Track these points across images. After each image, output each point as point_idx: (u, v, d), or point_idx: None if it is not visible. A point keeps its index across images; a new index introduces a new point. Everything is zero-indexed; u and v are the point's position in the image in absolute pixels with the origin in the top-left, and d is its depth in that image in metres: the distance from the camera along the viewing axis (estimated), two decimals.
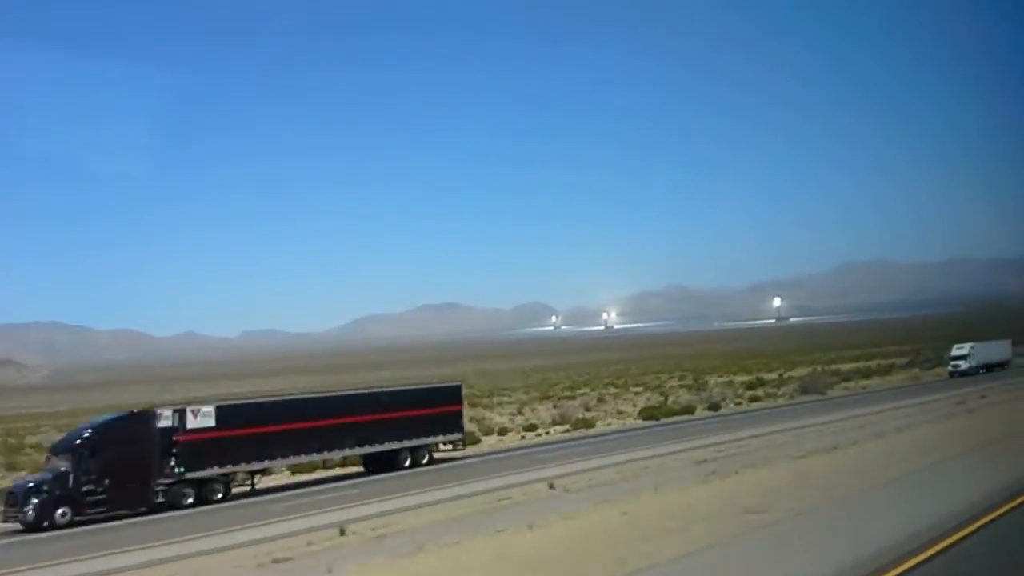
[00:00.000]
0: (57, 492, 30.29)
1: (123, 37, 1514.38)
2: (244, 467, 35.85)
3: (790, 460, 26.83)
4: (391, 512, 26.37)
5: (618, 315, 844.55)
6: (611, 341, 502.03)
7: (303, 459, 37.95)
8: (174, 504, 32.86)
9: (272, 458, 36.96)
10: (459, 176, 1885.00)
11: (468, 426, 57.89)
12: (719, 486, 22.92)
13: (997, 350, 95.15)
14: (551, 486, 27.84)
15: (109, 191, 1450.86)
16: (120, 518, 30.88)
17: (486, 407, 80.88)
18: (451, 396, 44.59)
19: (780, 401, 67.19)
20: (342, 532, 22.73)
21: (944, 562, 13.51)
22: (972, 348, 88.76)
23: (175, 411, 34.56)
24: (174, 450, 33.47)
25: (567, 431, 51.67)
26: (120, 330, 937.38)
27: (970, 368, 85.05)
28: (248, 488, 36.22)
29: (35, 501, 29.82)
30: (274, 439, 35.88)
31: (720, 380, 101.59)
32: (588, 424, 52.41)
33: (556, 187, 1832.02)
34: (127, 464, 32.08)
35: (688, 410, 58.00)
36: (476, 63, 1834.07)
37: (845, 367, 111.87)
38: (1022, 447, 25.44)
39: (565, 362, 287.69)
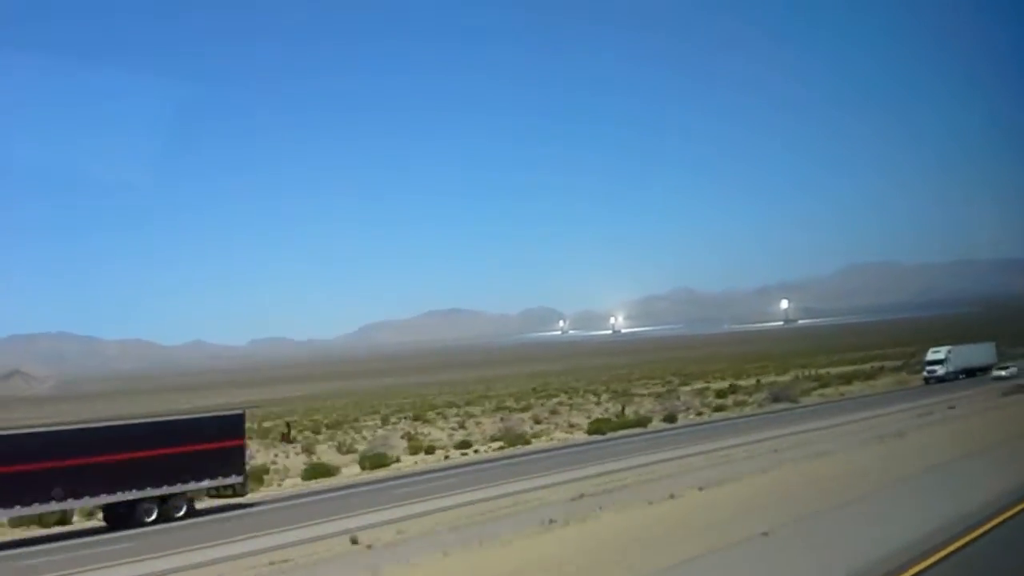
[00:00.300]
0: None
1: (128, 45, 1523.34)
2: None
3: (646, 505, 21.26)
4: None
5: (625, 319, 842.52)
6: (618, 345, 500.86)
7: (16, 511, 28.91)
8: None
9: None
10: (465, 181, 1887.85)
11: (398, 442, 55.54)
12: (546, 540, 18.23)
13: (979, 353, 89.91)
14: (354, 541, 22.10)
15: (115, 200, 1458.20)
16: None
17: (428, 422, 78.29)
18: (226, 429, 34.37)
19: (746, 410, 64.55)
20: None
21: None
22: (949, 352, 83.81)
23: None
24: None
25: (501, 448, 47.59)
26: (128, 339, 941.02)
27: (947, 374, 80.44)
28: None
29: None
30: None
31: (698, 387, 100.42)
32: (525, 441, 48.46)
33: (562, 191, 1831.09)
34: None
35: (643, 422, 54.91)
36: (480, 67, 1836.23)
37: (836, 371, 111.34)
38: (962, 483, 20.15)
39: (571, 367, 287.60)
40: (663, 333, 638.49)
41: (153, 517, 30.51)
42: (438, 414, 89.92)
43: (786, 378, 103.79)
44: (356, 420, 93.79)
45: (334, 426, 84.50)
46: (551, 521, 20.07)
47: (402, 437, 60.45)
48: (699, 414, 62.11)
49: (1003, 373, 75.66)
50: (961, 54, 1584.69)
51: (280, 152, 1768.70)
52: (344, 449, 53.78)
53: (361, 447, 53.38)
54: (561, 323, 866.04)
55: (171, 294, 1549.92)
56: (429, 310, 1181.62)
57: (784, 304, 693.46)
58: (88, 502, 30.59)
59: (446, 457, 44.65)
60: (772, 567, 13.55)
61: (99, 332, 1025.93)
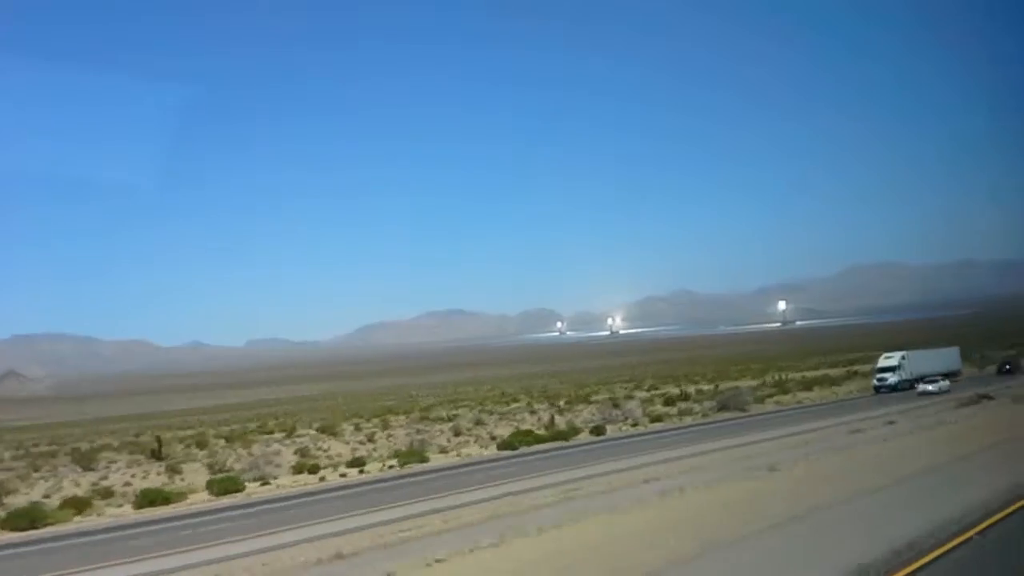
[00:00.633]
0: None
1: (129, 50, 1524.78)
2: None
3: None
4: None
5: (624, 320, 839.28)
6: (614, 347, 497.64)
7: None
8: None
9: None
10: (463, 183, 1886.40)
11: (288, 459, 50.64)
12: None
13: (940, 359, 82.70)
14: None
15: (114, 202, 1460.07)
16: None
17: (334, 435, 73.73)
18: None
19: (687, 420, 60.64)
20: None
21: None
22: (903, 358, 75.83)
23: None
24: None
25: (391, 468, 42.92)
26: (127, 340, 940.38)
27: (901, 382, 72.31)
28: None
29: None
30: None
31: (655, 393, 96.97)
32: (421, 459, 44.00)
33: (561, 193, 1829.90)
34: None
35: (567, 435, 51.18)
36: (479, 69, 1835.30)
37: (813, 374, 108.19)
38: (829, 532, 15.87)
39: (561, 369, 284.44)
40: (660, 334, 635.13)
41: None
42: (354, 425, 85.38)
43: (753, 383, 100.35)
44: (271, 431, 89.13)
45: (236, 439, 79.60)
46: None
47: (295, 452, 56.38)
48: (634, 425, 58.22)
49: (930, 388, 65.97)
50: (962, 56, 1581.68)
51: (279, 154, 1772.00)
52: (217, 468, 48.76)
53: (241, 465, 48.07)
54: (559, 324, 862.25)
55: (169, 295, 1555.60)
56: (428, 311, 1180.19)
57: (782, 305, 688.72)
58: None
59: (321, 479, 40.06)
60: None
61: (97, 333, 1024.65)
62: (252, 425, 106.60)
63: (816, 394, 79.09)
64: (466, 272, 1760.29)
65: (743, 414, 61.24)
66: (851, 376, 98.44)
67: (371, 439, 65.22)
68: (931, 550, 13.62)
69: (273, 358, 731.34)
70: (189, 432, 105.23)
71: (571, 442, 49.09)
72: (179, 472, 49.92)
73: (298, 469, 44.00)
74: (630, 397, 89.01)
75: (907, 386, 72.03)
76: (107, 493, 39.68)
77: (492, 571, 14.91)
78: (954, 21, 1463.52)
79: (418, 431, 66.68)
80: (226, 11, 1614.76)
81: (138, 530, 28.64)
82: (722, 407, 65.31)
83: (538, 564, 14.90)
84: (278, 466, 46.80)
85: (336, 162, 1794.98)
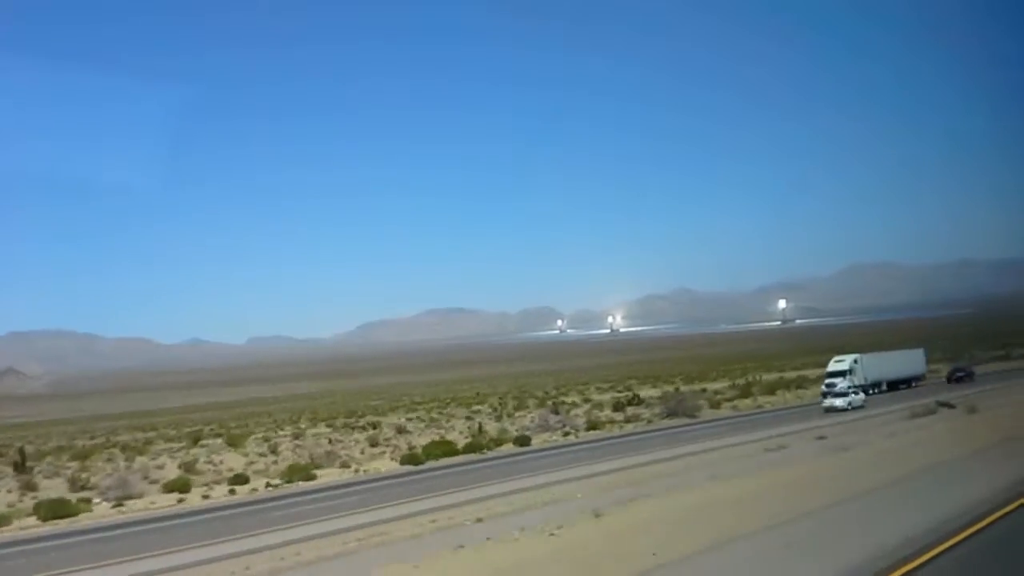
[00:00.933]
0: None
1: (129, 49, 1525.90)
2: None
3: None
4: None
5: (624, 318, 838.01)
6: (614, 345, 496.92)
7: None
8: None
9: None
10: (464, 181, 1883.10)
11: (168, 472, 48.92)
12: None
13: (902, 363, 76.36)
14: None
15: (116, 199, 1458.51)
16: None
17: (234, 447, 69.34)
18: None
19: (627, 428, 57.73)
20: None
21: None
22: (855, 362, 68.84)
23: None
24: None
25: (275, 486, 40.42)
26: (128, 338, 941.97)
27: (853, 388, 64.89)
28: None
29: None
30: None
31: (610, 396, 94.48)
32: (307, 477, 41.26)
33: (561, 191, 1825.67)
34: None
35: (490, 445, 48.67)
36: (479, 68, 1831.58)
37: (794, 375, 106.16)
38: None
39: (556, 368, 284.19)
40: (660, 333, 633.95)
41: None
42: (261, 436, 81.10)
43: (728, 383, 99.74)
44: (179, 439, 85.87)
45: (133, 448, 75.89)
46: None
47: (179, 466, 53.35)
48: (565, 435, 55.48)
49: (837, 404, 56.72)
50: (962, 54, 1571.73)
51: (279, 153, 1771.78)
52: (80, 485, 45.84)
53: (109, 482, 42.95)
54: (559, 323, 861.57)
55: (170, 292, 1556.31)
56: (429, 309, 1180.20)
57: (782, 304, 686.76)
58: None
59: (180, 501, 37.61)
60: None
61: (98, 330, 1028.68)
62: (207, 429, 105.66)
63: (780, 398, 75.56)
64: (467, 270, 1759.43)
65: (691, 420, 59.47)
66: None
67: (274, 451, 61.68)
68: None
69: (274, 356, 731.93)
70: (139, 435, 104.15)
71: (485, 455, 47.38)
72: (34, 488, 46.24)
73: (169, 488, 41.17)
74: (588, 400, 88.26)
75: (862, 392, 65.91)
76: None
77: None
78: (954, 21, 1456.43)
79: (331, 441, 63.97)
80: (226, 10, 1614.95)
81: None
82: (670, 413, 62.79)
83: None
84: (154, 482, 44.49)
85: (337, 161, 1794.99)
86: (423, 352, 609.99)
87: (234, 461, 56.19)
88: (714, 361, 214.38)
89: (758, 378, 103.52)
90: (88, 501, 38.56)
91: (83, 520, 34.67)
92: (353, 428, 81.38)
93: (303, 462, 47.53)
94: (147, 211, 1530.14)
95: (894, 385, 73.47)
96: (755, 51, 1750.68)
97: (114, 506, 37.85)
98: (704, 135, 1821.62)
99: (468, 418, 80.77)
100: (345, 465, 47.28)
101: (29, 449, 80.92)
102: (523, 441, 51.68)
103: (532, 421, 66.12)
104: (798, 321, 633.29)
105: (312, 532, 25.82)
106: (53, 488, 46.92)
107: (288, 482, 41.08)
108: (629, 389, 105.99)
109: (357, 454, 54.21)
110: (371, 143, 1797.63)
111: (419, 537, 22.44)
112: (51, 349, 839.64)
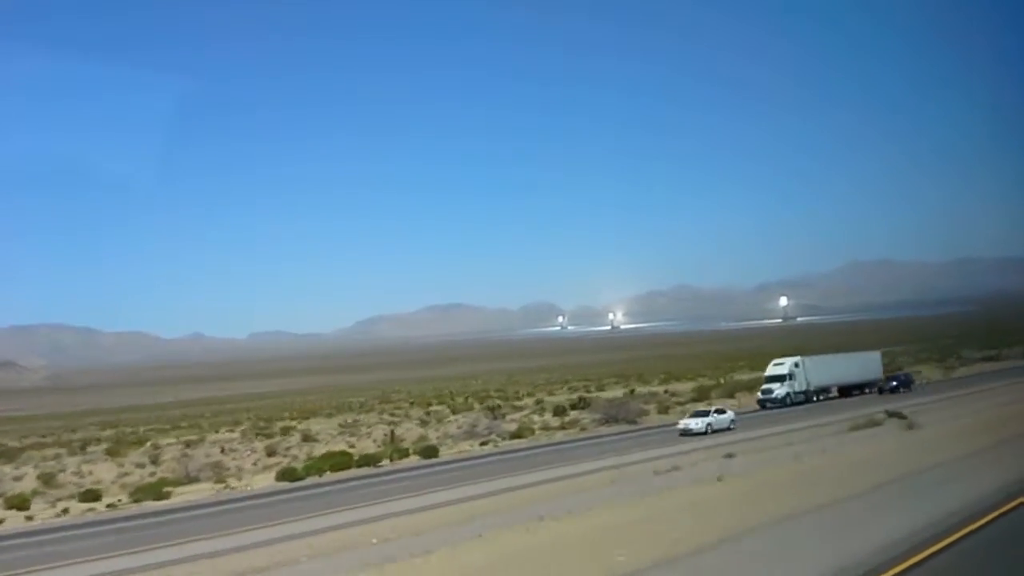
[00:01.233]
0: None
1: (132, 41, 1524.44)
2: None
3: None
4: None
5: (624, 315, 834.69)
6: (615, 341, 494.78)
7: None
8: None
9: None
10: (465, 177, 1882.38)
11: (25, 484, 44.76)
12: None
13: (854, 366, 69.20)
14: None
15: (116, 193, 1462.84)
16: None
17: (112, 456, 63.38)
18: None
19: (558, 436, 53.31)
20: None
21: None
22: (796, 365, 61.91)
23: None
24: None
25: (124, 503, 36.77)
26: (128, 332, 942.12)
27: (792, 395, 60.10)
28: None
29: None
30: None
31: (554, 398, 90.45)
32: (159, 496, 37.08)
33: (562, 187, 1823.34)
34: None
35: (376, 460, 44.51)
36: (481, 64, 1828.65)
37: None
38: None
39: (551, 364, 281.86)
40: (660, 329, 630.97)
41: None
42: (176, 441, 76.14)
43: (689, 384, 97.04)
44: (85, 443, 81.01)
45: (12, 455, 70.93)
46: None
47: (38, 477, 49.24)
48: (484, 443, 51.12)
49: (693, 426, 46.67)
50: (962, 53, 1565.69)
51: (280, 147, 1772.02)
52: None
53: None
54: (560, 319, 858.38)
55: (171, 286, 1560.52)
56: (429, 304, 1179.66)
57: (783, 301, 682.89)
58: None
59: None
60: None
61: (98, 324, 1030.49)
62: (168, 426, 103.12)
63: (738, 401, 68.31)
64: (467, 266, 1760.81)
65: (628, 428, 55.96)
66: None
67: (155, 460, 56.81)
68: None
69: (275, 350, 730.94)
70: (98, 434, 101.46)
71: (379, 469, 42.63)
72: None
73: (8, 504, 37.20)
74: (539, 402, 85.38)
75: (802, 399, 61.19)
76: None
77: None
78: (956, 18, 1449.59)
79: (224, 450, 59.88)
80: (226, 3, 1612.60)
81: None
82: (607, 419, 58.72)
83: None
84: (4, 492, 40.78)
85: (338, 155, 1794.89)
86: (423, 348, 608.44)
87: (107, 472, 51.89)
88: (708, 358, 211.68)
89: (729, 378, 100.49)
90: None
91: None
92: (259, 434, 76.29)
93: (175, 475, 43.75)
94: (148, 205, 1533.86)
95: (846, 391, 66.66)
96: (757, 48, 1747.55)
97: None
98: (705, 131, 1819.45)
99: (392, 422, 76.66)
100: (220, 480, 43.09)
101: None
102: (430, 452, 47.28)
103: (459, 428, 62.01)
104: (799, 319, 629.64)
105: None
106: None
107: (136, 501, 36.50)
108: (589, 391, 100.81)
109: (248, 465, 50.22)
110: (372, 138, 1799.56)
111: None
112: (51, 343, 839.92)
